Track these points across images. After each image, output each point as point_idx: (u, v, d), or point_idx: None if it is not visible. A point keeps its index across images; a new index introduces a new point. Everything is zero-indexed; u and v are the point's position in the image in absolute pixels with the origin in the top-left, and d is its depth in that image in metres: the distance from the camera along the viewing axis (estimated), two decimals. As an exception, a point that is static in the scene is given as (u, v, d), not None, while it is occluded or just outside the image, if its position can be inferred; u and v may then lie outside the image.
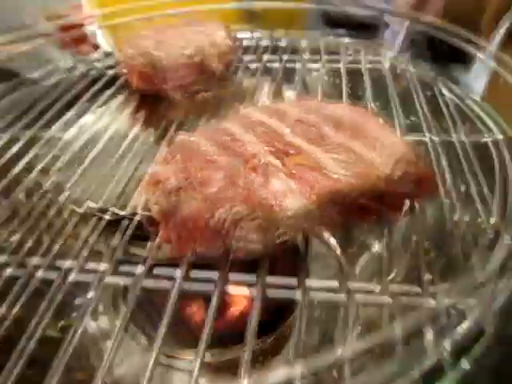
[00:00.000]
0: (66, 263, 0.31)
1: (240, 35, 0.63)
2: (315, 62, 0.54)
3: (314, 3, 0.74)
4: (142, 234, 0.34)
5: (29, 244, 0.33)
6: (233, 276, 0.29)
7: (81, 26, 0.90)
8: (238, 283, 0.29)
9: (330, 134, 0.30)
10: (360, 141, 0.29)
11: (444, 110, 0.43)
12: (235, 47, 0.52)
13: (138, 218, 0.34)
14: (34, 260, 0.32)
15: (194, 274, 0.29)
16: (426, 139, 0.39)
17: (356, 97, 0.48)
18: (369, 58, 0.53)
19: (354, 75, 0.52)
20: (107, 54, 0.65)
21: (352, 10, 0.62)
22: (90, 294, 0.29)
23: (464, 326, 0.24)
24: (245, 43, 0.61)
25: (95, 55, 0.66)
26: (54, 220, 0.37)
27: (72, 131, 0.47)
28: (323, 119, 0.31)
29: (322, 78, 0.50)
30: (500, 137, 0.38)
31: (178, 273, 0.29)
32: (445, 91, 0.48)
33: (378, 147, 0.29)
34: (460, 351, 0.23)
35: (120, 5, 0.72)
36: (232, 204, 0.26)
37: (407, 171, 0.28)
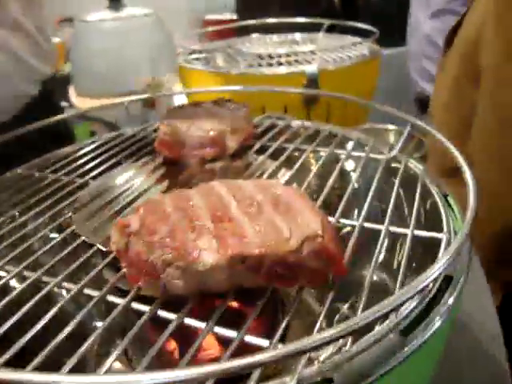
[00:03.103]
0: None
1: (272, 120, 0.71)
2: (323, 150, 0.61)
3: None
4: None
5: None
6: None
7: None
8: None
9: (265, 210, 0.36)
10: (285, 216, 0.35)
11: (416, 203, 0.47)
12: (251, 132, 0.61)
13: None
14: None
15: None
16: (382, 228, 0.43)
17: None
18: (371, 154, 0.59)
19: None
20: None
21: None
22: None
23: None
24: (278, 126, 0.69)
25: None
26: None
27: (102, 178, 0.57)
28: (267, 197, 0.38)
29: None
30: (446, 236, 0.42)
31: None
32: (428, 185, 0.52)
33: (296, 224, 0.34)
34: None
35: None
36: (163, 251, 0.33)
37: (314, 250, 0.33)
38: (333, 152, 0.59)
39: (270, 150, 0.60)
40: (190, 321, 0.34)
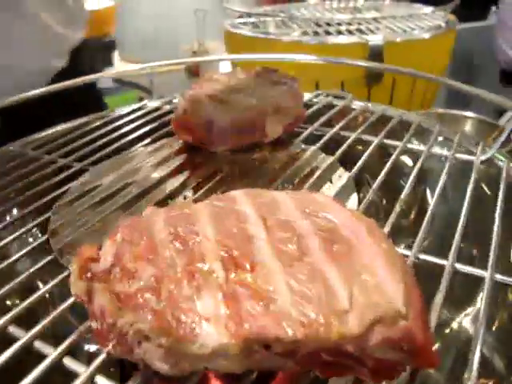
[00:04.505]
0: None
1: (327, 99, 0.56)
2: (393, 144, 0.46)
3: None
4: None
5: None
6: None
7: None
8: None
9: (311, 251, 0.22)
10: (343, 267, 0.21)
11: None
12: (300, 114, 0.47)
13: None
14: None
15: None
16: (486, 276, 0.29)
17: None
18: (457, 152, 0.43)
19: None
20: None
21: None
22: None
23: None
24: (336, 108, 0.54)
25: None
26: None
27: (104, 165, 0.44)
28: (315, 226, 0.24)
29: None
30: None
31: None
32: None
33: (361, 284, 0.20)
34: None
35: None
36: (136, 317, 0.20)
37: (390, 338, 0.19)
38: (406, 148, 0.45)
39: (324, 140, 0.46)
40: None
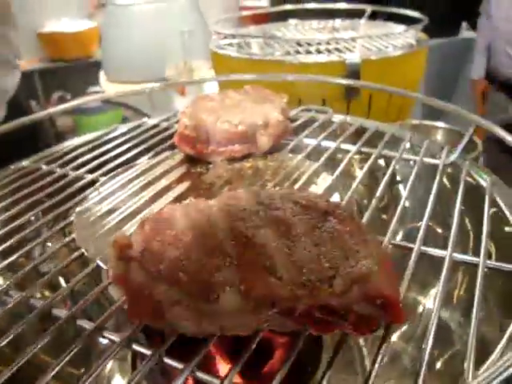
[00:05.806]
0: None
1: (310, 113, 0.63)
2: (369, 151, 0.52)
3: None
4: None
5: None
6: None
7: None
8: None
9: (303, 234, 0.28)
10: (328, 245, 0.27)
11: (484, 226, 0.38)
12: (287, 127, 0.53)
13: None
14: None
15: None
16: (446, 256, 0.35)
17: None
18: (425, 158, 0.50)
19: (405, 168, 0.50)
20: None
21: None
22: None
23: None
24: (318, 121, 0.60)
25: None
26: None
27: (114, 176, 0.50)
28: (306, 216, 0.30)
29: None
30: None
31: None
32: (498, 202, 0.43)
33: (342, 256, 0.26)
34: None
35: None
36: (169, 286, 0.26)
37: (366, 293, 0.25)
38: (380, 154, 0.51)
39: (309, 149, 0.52)
40: (201, 375, 0.27)
